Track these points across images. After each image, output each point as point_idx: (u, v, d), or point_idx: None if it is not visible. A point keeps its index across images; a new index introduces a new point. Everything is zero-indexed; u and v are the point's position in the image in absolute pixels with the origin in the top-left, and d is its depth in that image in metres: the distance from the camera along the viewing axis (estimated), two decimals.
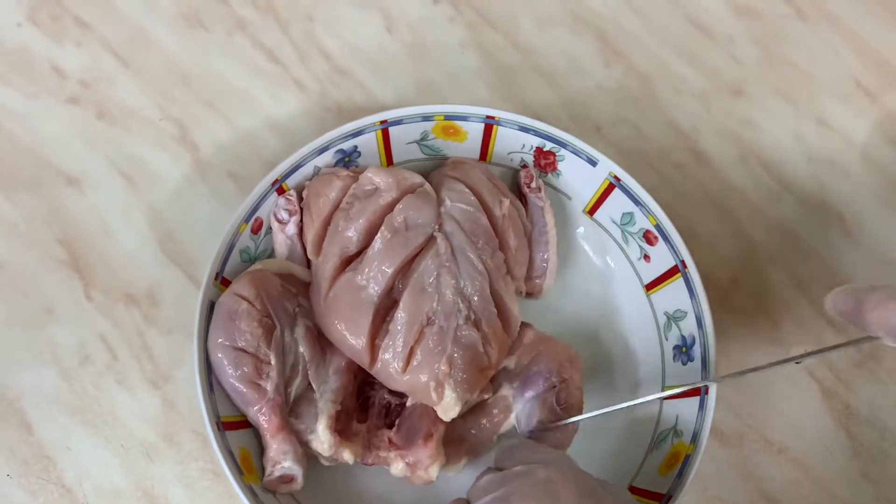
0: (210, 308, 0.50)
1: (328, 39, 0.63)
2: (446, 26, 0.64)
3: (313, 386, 0.51)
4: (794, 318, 0.59)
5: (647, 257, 0.56)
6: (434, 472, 0.50)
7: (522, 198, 0.57)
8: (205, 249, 0.57)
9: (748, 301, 0.59)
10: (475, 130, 0.56)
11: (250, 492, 0.48)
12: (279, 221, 0.53)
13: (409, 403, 0.52)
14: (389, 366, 0.49)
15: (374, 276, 0.50)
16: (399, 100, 0.62)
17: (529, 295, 0.57)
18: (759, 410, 0.55)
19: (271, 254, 0.55)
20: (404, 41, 0.63)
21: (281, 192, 0.54)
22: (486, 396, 0.52)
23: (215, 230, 0.57)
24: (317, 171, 0.55)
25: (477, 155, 0.58)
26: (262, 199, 0.53)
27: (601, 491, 0.44)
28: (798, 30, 0.65)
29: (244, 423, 0.51)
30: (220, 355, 0.48)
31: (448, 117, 0.55)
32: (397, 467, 0.50)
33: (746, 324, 0.58)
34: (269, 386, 0.49)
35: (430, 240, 0.52)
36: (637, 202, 0.55)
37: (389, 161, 0.57)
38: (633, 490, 0.52)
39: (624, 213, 0.56)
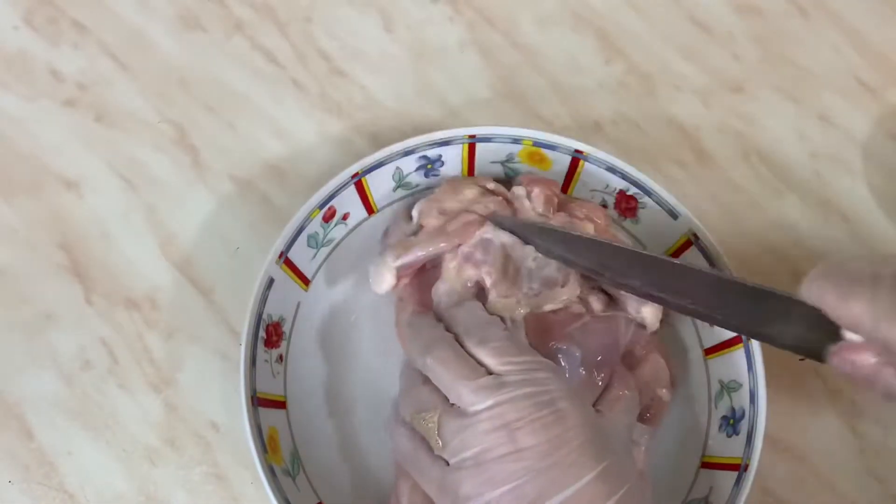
0: (268, 284, 0.51)
1: (327, 40, 0.63)
2: (446, 26, 0.64)
3: None
4: None
5: None
6: None
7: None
8: (206, 253, 0.57)
9: None
10: (561, 161, 0.56)
11: (270, 471, 0.48)
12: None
13: None
14: None
15: None
16: (400, 101, 0.62)
17: None
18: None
19: (337, 245, 0.55)
20: (403, 42, 0.63)
21: (359, 186, 0.54)
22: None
23: (216, 234, 0.57)
24: (398, 173, 0.55)
25: (560, 185, 0.57)
26: (340, 189, 0.53)
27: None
28: (798, 27, 0.65)
29: (279, 403, 0.51)
30: None
31: (536, 143, 0.55)
32: None
33: None
34: None
35: None
36: (710, 262, 0.54)
37: (471, 173, 0.57)
38: (708, 465, 0.52)
39: None
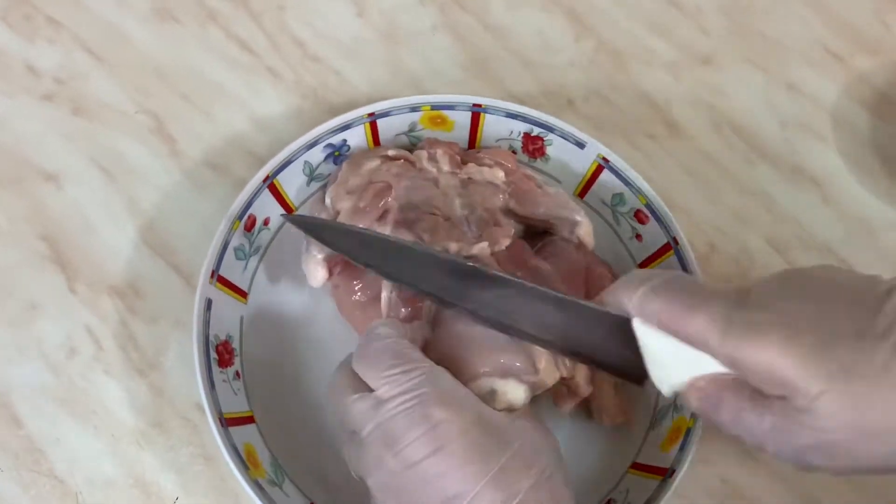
0: (207, 305, 0.51)
1: (300, 28, 0.63)
2: (418, 10, 0.65)
3: None
4: None
5: (639, 237, 0.56)
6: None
7: None
8: (186, 239, 0.58)
9: (726, 266, 0.60)
10: (462, 119, 0.57)
11: (258, 487, 0.48)
12: None
13: None
14: None
15: None
16: (374, 84, 0.63)
17: None
18: None
19: (265, 251, 0.55)
20: (376, 26, 0.64)
21: (273, 188, 0.54)
22: None
23: (196, 220, 0.58)
24: (307, 167, 0.55)
25: (465, 143, 0.58)
26: (254, 196, 0.53)
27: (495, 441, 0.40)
28: None
29: (248, 419, 0.51)
30: None
31: (435, 107, 0.56)
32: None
33: None
34: None
35: None
36: (626, 182, 0.55)
37: None
38: (637, 466, 0.52)
39: (614, 195, 0.56)
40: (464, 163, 0.55)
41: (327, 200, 0.54)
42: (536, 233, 0.56)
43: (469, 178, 0.54)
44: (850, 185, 0.62)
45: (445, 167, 0.54)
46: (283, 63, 0.63)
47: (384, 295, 0.50)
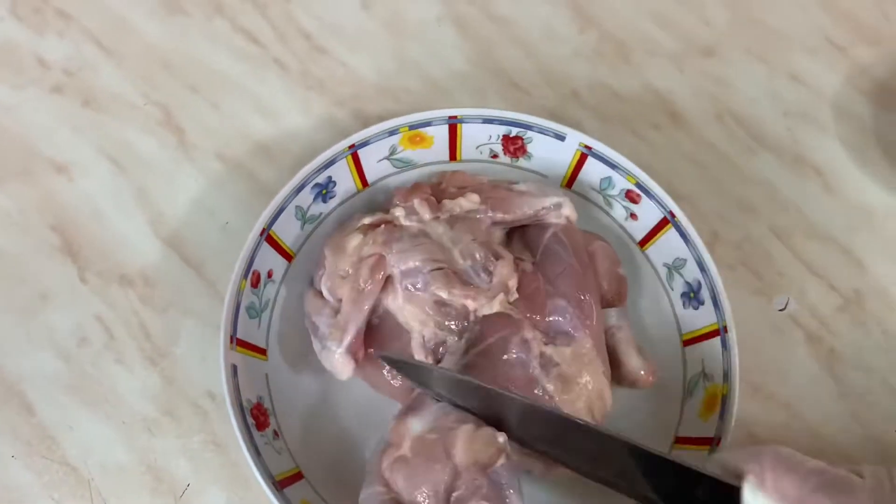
0: (233, 372, 0.50)
1: (306, 19, 0.64)
2: (423, 1, 0.65)
3: None
4: (776, 269, 0.60)
5: (633, 216, 0.57)
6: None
7: None
8: (196, 229, 0.58)
9: (730, 254, 0.60)
10: (441, 133, 0.57)
11: None
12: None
13: None
14: None
15: None
16: (380, 75, 0.63)
17: None
18: (747, 358, 0.55)
19: (274, 301, 0.55)
20: (381, 18, 0.65)
21: (270, 240, 0.54)
22: None
23: (205, 210, 0.59)
24: (299, 212, 0.55)
25: (447, 156, 0.58)
26: (255, 251, 0.53)
27: None
28: None
29: (297, 476, 0.51)
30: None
31: (412, 127, 0.56)
32: None
33: (729, 276, 0.59)
34: None
35: None
36: (612, 165, 0.56)
37: (364, 183, 0.57)
38: (681, 440, 0.53)
39: (602, 179, 0.57)
40: (439, 202, 0.54)
41: (324, 292, 0.53)
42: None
43: (451, 216, 0.53)
44: (851, 174, 0.63)
45: (427, 215, 0.53)
46: (290, 54, 0.63)
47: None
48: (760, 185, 0.62)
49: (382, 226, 0.53)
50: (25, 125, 0.60)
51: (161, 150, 0.60)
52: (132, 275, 0.57)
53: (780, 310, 0.59)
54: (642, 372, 0.53)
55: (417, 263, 0.50)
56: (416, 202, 0.53)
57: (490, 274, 0.51)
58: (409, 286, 0.51)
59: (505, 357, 0.49)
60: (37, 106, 0.61)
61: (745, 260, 0.60)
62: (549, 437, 0.47)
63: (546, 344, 0.50)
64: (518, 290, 0.51)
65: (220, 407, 0.55)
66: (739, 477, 0.43)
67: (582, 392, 0.50)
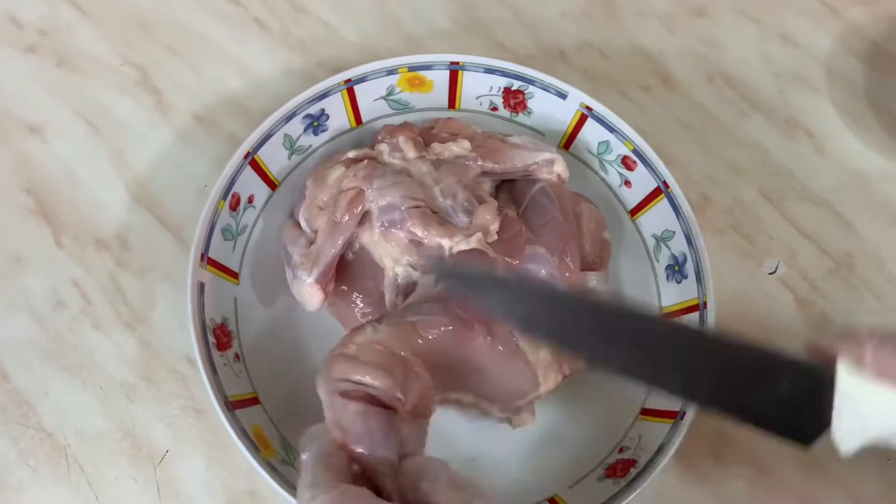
0: (200, 289, 0.50)
1: None
2: None
3: None
4: (767, 232, 0.59)
5: (627, 183, 0.56)
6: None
7: None
8: (173, 192, 0.57)
9: (721, 217, 0.59)
10: (441, 79, 0.56)
11: (270, 468, 0.47)
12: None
13: None
14: None
15: None
16: (363, 36, 0.62)
17: None
18: (736, 322, 0.55)
19: (252, 227, 0.54)
20: None
21: (254, 165, 0.53)
22: None
23: (182, 173, 0.57)
24: (287, 140, 0.54)
25: (445, 103, 0.57)
26: (237, 173, 0.52)
27: None
28: None
29: (253, 400, 0.50)
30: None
31: (412, 68, 0.55)
32: None
33: (720, 240, 0.58)
34: None
35: None
36: (612, 129, 0.55)
37: (358, 121, 0.56)
38: (647, 412, 0.52)
39: (600, 143, 0.56)
40: (426, 144, 0.53)
41: (302, 223, 0.52)
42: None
43: (438, 159, 0.52)
44: (843, 136, 0.62)
45: (411, 154, 0.52)
46: (270, 15, 0.62)
47: (388, 299, 0.50)
48: (751, 148, 0.61)
49: (366, 161, 0.52)
50: None
51: (138, 112, 0.59)
52: (108, 238, 0.56)
53: (771, 273, 0.58)
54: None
55: (395, 199, 0.49)
56: (401, 139, 0.52)
57: (470, 215, 0.50)
58: (385, 222, 0.49)
59: None
60: (10, 66, 0.59)
61: (736, 223, 0.59)
62: (613, 337, 0.39)
63: None
64: (497, 233, 0.50)
65: (198, 372, 0.53)
66: (830, 361, 0.37)
67: None
